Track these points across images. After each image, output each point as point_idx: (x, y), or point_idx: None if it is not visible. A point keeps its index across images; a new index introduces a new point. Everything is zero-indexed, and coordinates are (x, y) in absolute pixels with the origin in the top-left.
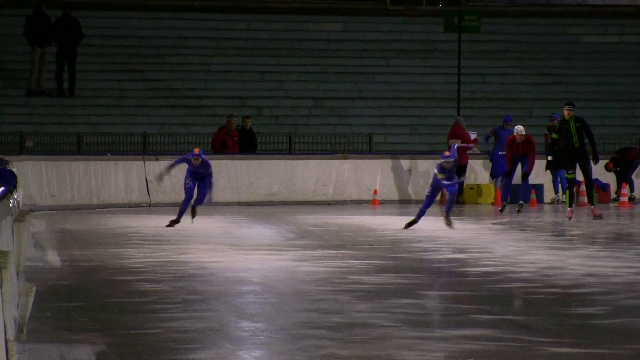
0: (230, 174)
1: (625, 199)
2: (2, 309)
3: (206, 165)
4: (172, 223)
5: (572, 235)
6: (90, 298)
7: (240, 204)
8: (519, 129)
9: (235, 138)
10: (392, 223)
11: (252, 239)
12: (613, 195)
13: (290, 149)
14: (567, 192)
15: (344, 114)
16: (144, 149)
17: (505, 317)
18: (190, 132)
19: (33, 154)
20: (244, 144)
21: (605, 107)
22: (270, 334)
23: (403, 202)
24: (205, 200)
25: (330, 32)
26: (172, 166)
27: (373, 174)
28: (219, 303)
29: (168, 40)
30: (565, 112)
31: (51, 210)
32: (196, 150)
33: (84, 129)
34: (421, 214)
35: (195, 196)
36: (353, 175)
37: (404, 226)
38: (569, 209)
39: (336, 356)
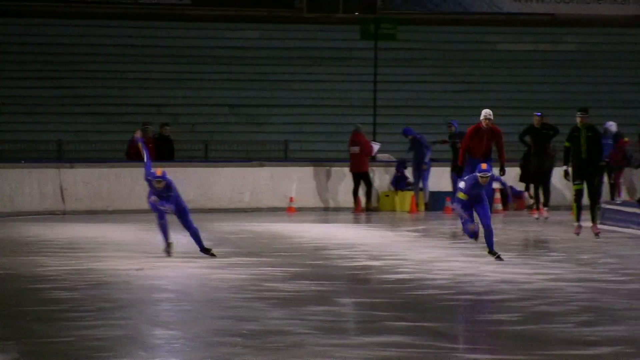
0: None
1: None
2: None
3: (169, 188)
4: (168, 248)
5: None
6: (3, 306)
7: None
8: (487, 112)
9: (150, 145)
10: (308, 230)
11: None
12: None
13: (206, 156)
14: (575, 205)
15: (260, 121)
16: (59, 156)
17: (420, 324)
18: (105, 139)
19: None
20: (161, 151)
21: (521, 115)
22: (185, 342)
23: (319, 210)
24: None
25: (247, 39)
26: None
27: (289, 182)
28: (133, 311)
29: (83, 47)
30: (578, 120)
31: None
32: (158, 172)
33: (4, 143)
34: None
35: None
36: (269, 183)
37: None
38: (575, 224)
39: None
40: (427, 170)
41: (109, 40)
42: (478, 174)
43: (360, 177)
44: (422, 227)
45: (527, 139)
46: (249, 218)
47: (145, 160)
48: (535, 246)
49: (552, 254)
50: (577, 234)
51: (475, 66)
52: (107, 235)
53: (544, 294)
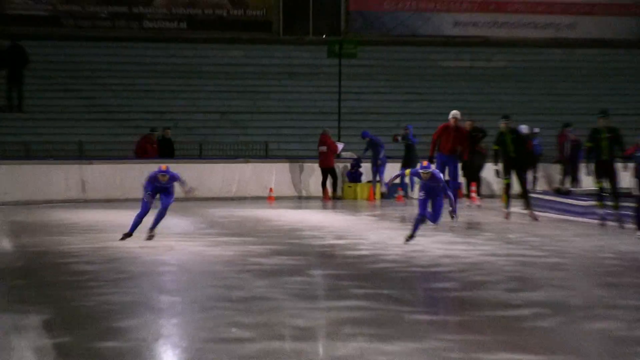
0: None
1: (474, 195)
2: None
3: (174, 178)
4: (125, 236)
5: (431, 225)
6: (37, 277)
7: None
8: (455, 113)
9: (154, 145)
10: (284, 215)
11: (170, 228)
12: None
13: (201, 154)
14: (505, 195)
15: (245, 125)
16: (80, 154)
17: (377, 291)
18: (118, 140)
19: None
20: (164, 150)
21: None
22: (184, 306)
23: (294, 198)
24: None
25: (233, 57)
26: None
27: (269, 175)
28: (142, 280)
29: (99, 65)
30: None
31: (3, 205)
32: (163, 167)
33: (30, 139)
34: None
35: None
36: (253, 176)
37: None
38: (505, 211)
39: (239, 324)
40: (383, 166)
41: (119, 58)
42: (420, 170)
43: (328, 171)
44: (378, 212)
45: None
46: (236, 205)
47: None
48: (472, 228)
49: (485, 234)
50: (507, 218)
51: (422, 80)
52: (120, 219)
53: (478, 267)
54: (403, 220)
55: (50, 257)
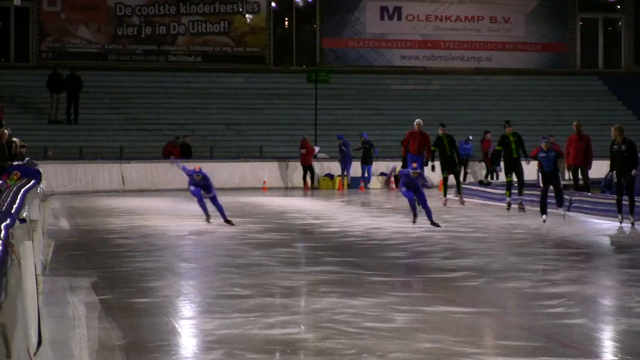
0: (176, 172)
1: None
2: (34, 255)
3: (206, 179)
4: (207, 219)
5: (386, 209)
6: (87, 248)
7: (180, 190)
8: (418, 121)
9: (177, 149)
10: (274, 201)
11: (189, 212)
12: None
13: (211, 156)
14: (443, 186)
15: (244, 134)
16: (120, 156)
17: (344, 259)
18: (149, 145)
19: (53, 160)
20: (184, 153)
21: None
22: (199, 270)
23: (282, 189)
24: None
25: (236, 83)
26: (179, 167)
27: (263, 171)
28: (166, 251)
29: (136, 88)
30: (440, 131)
31: (63, 194)
32: (197, 167)
33: (83, 144)
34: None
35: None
36: (250, 172)
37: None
38: (443, 198)
39: (240, 284)
40: (349, 163)
41: (150, 84)
42: (410, 170)
43: (307, 168)
44: (346, 199)
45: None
46: (238, 194)
47: (185, 171)
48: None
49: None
50: (444, 204)
51: (377, 99)
52: (151, 205)
53: (422, 240)
54: (364, 204)
55: (97, 233)
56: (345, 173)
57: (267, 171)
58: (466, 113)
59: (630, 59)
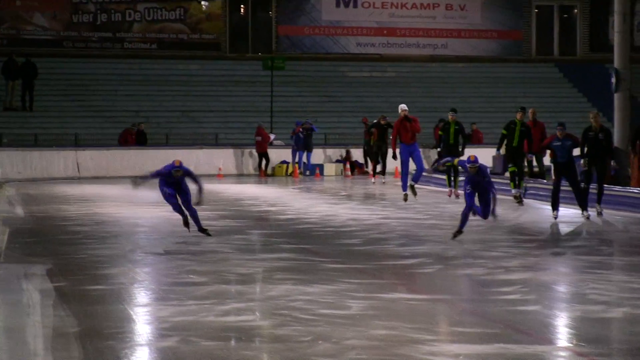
0: (131, 159)
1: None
2: None
3: (186, 174)
4: (186, 225)
5: (341, 196)
6: (41, 236)
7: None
8: (403, 106)
9: (133, 136)
10: (230, 188)
11: (143, 199)
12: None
13: (167, 143)
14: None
15: (200, 121)
16: (76, 143)
17: (300, 245)
18: (104, 132)
19: (7, 147)
20: (140, 140)
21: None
22: (154, 257)
23: (237, 176)
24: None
25: (192, 70)
26: (144, 179)
27: (218, 158)
28: (122, 239)
29: (91, 75)
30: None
31: (18, 182)
32: (177, 162)
33: (38, 131)
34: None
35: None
36: (206, 159)
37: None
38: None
39: (196, 271)
40: (302, 150)
41: (106, 71)
42: (467, 165)
43: (262, 155)
44: (301, 186)
45: (372, 130)
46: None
47: (161, 173)
48: (372, 197)
49: (382, 202)
50: (449, 195)
51: (333, 86)
52: (106, 192)
53: (377, 227)
54: (319, 192)
55: (52, 220)
56: (297, 159)
57: (222, 158)
58: (422, 100)
59: (585, 46)
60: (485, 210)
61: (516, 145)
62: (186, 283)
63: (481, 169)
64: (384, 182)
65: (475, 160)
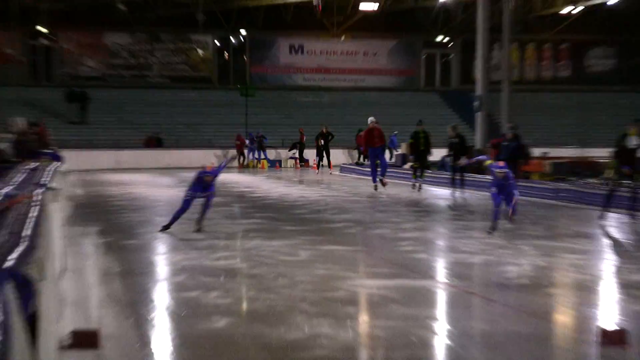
0: (152, 157)
1: (315, 165)
2: (59, 218)
3: (215, 176)
4: (164, 228)
5: (294, 181)
6: (94, 207)
7: (155, 168)
8: (372, 119)
9: (153, 141)
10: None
11: (161, 184)
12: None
13: (178, 146)
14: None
15: (199, 131)
16: (115, 146)
17: (266, 214)
18: (134, 138)
19: (70, 148)
20: (158, 144)
21: (315, 129)
22: (153, 229)
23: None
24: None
25: (192, 96)
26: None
27: (211, 156)
28: (148, 210)
29: (126, 100)
30: (419, 127)
31: (78, 171)
32: (208, 168)
33: (90, 138)
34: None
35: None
36: (202, 156)
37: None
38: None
39: (197, 231)
40: (265, 151)
41: (135, 97)
42: (496, 170)
43: (241, 153)
44: (266, 175)
45: (319, 137)
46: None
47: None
48: (315, 182)
49: (321, 185)
50: (413, 188)
51: (288, 109)
52: (136, 179)
53: (318, 202)
54: (279, 179)
55: (100, 197)
56: (264, 157)
57: (213, 155)
58: (347, 117)
59: (457, 80)
60: (508, 200)
61: (423, 149)
62: (190, 239)
63: (508, 175)
64: (330, 173)
65: (504, 166)
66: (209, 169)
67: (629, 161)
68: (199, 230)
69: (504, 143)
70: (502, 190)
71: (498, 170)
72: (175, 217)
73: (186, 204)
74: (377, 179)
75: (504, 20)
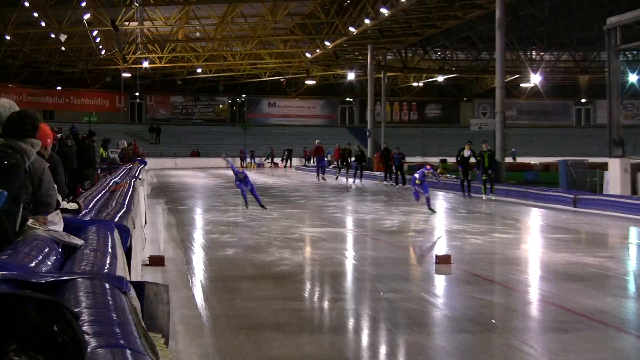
0: (196, 162)
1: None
2: (144, 194)
3: (246, 176)
4: (246, 205)
5: (270, 175)
6: (164, 189)
7: (197, 168)
8: (318, 141)
9: (196, 153)
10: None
11: (200, 176)
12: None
13: (207, 156)
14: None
15: (221, 150)
16: (174, 155)
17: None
18: (185, 152)
19: (150, 157)
20: (199, 155)
21: (278, 148)
22: (203, 196)
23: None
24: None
25: (218, 130)
26: (229, 162)
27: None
28: (190, 190)
29: (182, 132)
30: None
31: (154, 170)
32: (240, 169)
33: (161, 150)
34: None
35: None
36: (222, 163)
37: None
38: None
39: (218, 202)
40: (254, 158)
41: (187, 130)
42: (425, 170)
43: (241, 159)
44: (255, 171)
45: (286, 151)
46: (218, 170)
47: (232, 169)
48: (282, 176)
49: (285, 177)
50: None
51: (270, 136)
52: (186, 174)
53: (283, 186)
54: (261, 174)
55: (166, 184)
56: (254, 162)
57: (222, 160)
58: (300, 142)
59: (358, 119)
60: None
61: (487, 165)
62: (214, 206)
63: (433, 173)
64: (288, 171)
65: (430, 168)
66: (241, 170)
67: (464, 165)
68: (262, 207)
69: (395, 155)
70: (422, 185)
71: (427, 171)
72: (244, 196)
73: (241, 190)
74: (319, 175)
75: (382, 89)
